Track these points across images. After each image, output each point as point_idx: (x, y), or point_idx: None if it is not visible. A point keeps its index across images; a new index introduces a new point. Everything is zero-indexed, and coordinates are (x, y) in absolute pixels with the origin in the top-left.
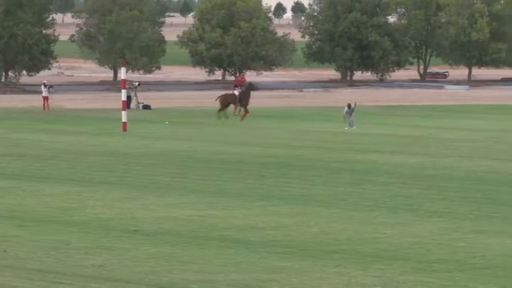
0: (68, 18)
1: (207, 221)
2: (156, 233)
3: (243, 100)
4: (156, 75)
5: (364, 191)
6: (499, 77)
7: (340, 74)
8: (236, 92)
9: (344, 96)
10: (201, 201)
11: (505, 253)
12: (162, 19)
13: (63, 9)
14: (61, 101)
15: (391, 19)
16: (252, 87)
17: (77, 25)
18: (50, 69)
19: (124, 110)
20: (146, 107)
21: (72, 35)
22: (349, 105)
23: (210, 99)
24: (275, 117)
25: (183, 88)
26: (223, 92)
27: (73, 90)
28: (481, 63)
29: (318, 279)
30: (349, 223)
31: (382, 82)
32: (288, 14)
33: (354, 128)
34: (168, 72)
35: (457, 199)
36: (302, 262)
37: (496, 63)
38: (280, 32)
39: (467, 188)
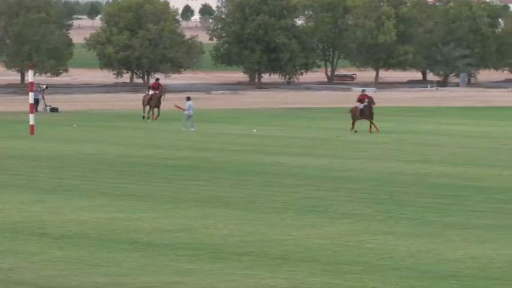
0: None
1: (115, 224)
2: (64, 236)
3: (365, 113)
4: (63, 78)
5: (272, 193)
6: (406, 79)
7: (248, 77)
8: (361, 105)
9: (252, 98)
10: (109, 204)
11: (413, 254)
12: (69, 21)
13: None
14: None
15: (299, 21)
16: (372, 101)
17: None
18: None
19: (32, 112)
20: (54, 109)
21: None
22: (188, 98)
23: (118, 101)
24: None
25: (90, 91)
26: (132, 95)
27: None
28: (388, 66)
29: (226, 282)
30: (258, 225)
31: (290, 85)
32: (196, 17)
33: (193, 129)
34: (76, 75)
35: (365, 201)
36: (211, 265)
37: (402, 66)
38: (188, 35)
39: (375, 189)
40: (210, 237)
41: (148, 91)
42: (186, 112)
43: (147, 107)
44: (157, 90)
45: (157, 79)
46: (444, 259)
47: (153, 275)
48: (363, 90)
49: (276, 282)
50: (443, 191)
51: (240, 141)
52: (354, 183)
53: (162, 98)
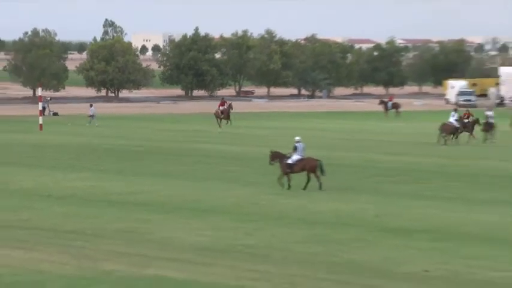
0: (1, 54)
1: (97, 189)
2: (62, 197)
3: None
4: (61, 93)
5: (201, 168)
6: (288, 94)
7: (184, 92)
8: (453, 122)
9: (187, 106)
10: (92, 176)
11: (294, 209)
12: (65, 55)
13: None
14: None
15: (217, 55)
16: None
17: (7, 59)
18: None
19: (40, 116)
20: (55, 114)
21: (5, 66)
22: (91, 104)
23: (98, 108)
24: (142, 120)
25: (79, 101)
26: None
27: (4, 104)
28: (276, 84)
29: (171, 227)
30: (192, 189)
31: (211, 97)
32: (149, 52)
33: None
34: (70, 91)
35: (262, 172)
36: (161, 215)
37: (285, 84)
38: (144, 64)
39: (268, 166)
40: (159, 197)
41: (219, 108)
42: (90, 113)
43: (218, 120)
44: (224, 106)
45: (223, 98)
46: (313, 211)
47: (122, 222)
48: (467, 110)
49: (203, 226)
50: None
51: (180, 135)
52: (256, 161)
53: (230, 111)
